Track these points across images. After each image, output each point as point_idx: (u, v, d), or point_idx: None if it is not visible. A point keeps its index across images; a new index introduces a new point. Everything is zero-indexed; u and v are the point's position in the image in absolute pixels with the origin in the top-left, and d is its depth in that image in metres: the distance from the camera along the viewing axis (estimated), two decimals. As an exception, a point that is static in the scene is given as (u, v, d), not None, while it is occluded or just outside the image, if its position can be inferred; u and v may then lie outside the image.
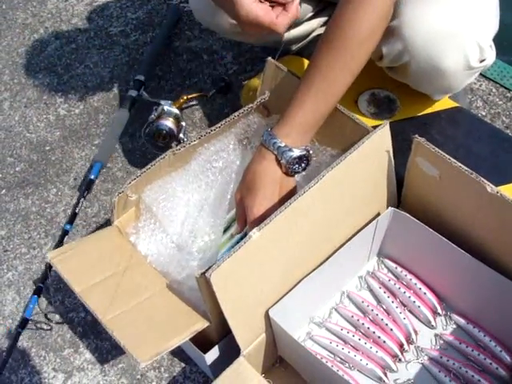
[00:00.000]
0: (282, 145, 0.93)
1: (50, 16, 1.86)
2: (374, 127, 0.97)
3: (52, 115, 1.58)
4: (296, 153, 0.94)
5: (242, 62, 1.60)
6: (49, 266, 1.21)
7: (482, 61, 1.03)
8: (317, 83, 0.93)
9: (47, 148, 1.51)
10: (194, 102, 1.53)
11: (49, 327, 1.19)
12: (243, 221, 0.97)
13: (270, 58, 1.09)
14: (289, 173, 0.96)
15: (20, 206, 1.40)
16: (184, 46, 1.67)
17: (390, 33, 1.02)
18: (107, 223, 1.30)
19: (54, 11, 1.88)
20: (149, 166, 1.02)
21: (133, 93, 1.48)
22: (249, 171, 0.96)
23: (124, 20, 1.79)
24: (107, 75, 1.64)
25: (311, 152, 0.97)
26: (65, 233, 1.28)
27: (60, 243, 1.27)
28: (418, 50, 1.01)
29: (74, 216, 1.31)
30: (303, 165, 0.96)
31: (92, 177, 1.35)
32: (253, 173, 0.96)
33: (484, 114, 1.43)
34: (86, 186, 1.34)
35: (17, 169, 1.48)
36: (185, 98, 1.41)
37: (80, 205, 1.32)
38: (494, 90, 1.48)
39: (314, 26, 1.34)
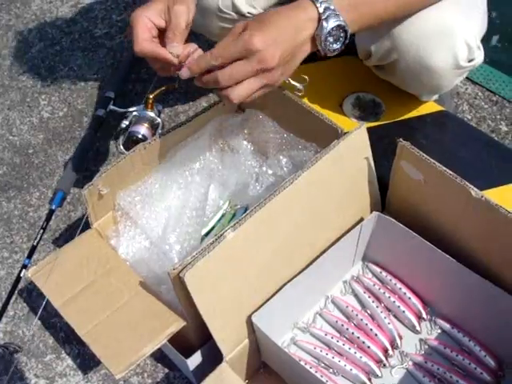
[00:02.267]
0: (332, 6, 0.83)
1: (33, 17, 1.84)
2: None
3: (35, 118, 1.56)
4: (342, 22, 0.84)
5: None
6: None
7: (470, 60, 1.03)
8: None
9: (30, 151, 1.49)
10: (171, 98, 1.52)
11: (30, 333, 1.18)
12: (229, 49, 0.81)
13: None
14: (321, 42, 0.85)
15: (2, 210, 1.38)
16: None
17: (379, 31, 1.02)
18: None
19: (38, 13, 1.86)
20: (119, 159, 1.01)
21: (100, 112, 1.43)
22: (270, 11, 0.85)
23: (109, 22, 1.77)
24: (91, 77, 1.63)
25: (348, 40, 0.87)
26: (24, 266, 1.17)
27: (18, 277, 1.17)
28: (406, 48, 1.01)
29: (33, 250, 1.19)
30: (339, 43, 0.86)
31: (53, 207, 1.25)
32: (279, 12, 0.84)
33: (470, 117, 1.43)
34: (47, 217, 1.24)
35: (-1, 172, 1.47)
36: (151, 97, 1.35)
37: (39, 237, 1.20)
38: (479, 94, 1.48)
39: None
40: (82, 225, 1.04)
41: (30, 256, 1.17)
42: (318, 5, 0.83)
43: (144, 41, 0.85)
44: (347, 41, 0.87)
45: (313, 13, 0.83)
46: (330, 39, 0.85)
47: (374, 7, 0.89)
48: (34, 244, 1.18)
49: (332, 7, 0.83)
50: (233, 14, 1.16)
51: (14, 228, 1.35)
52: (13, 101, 1.61)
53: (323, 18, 0.83)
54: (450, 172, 0.89)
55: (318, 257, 0.98)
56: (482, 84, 1.49)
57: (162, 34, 0.87)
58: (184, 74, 0.84)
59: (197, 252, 0.81)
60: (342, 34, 0.86)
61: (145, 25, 0.85)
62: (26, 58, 1.72)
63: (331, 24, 0.83)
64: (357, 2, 0.87)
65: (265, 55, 0.80)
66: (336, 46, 0.86)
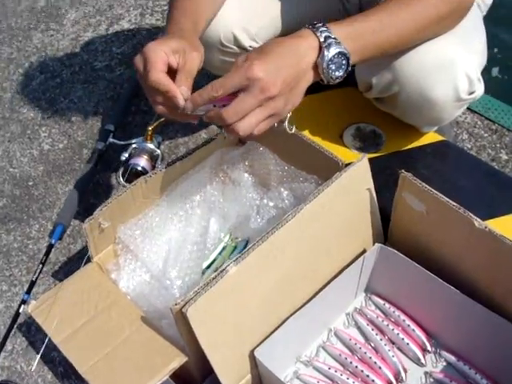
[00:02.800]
0: (333, 35, 0.84)
1: (35, 50, 1.86)
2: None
3: (36, 150, 1.56)
4: (343, 49, 0.84)
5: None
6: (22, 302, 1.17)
7: (471, 93, 1.03)
8: (383, 12, 0.90)
9: (30, 183, 1.49)
10: (171, 130, 1.52)
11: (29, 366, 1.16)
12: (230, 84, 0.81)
13: None
14: (323, 70, 0.85)
15: (1, 242, 1.38)
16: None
17: (380, 63, 1.02)
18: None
19: (39, 46, 1.88)
20: (120, 193, 1.01)
21: (99, 145, 1.43)
22: (271, 42, 0.86)
23: (109, 54, 1.79)
24: (91, 110, 1.63)
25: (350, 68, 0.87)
26: (23, 302, 1.16)
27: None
28: (407, 81, 1.01)
29: (32, 285, 1.18)
30: (341, 71, 0.86)
31: (53, 241, 1.24)
32: (279, 41, 0.85)
33: (470, 146, 1.43)
34: (46, 252, 1.22)
35: (-1, 204, 1.46)
36: (150, 128, 1.35)
37: (38, 272, 1.19)
38: (479, 123, 1.48)
39: None
40: (83, 258, 1.03)
41: (29, 291, 1.16)
42: (319, 34, 0.84)
43: (161, 72, 0.84)
44: (349, 68, 0.87)
45: (314, 41, 0.84)
46: (332, 67, 0.85)
47: (374, 38, 0.89)
48: (33, 279, 1.17)
49: (333, 36, 0.84)
50: (234, 47, 1.16)
51: (14, 261, 1.34)
52: (13, 133, 1.61)
53: (324, 46, 0.83)
54: (453, 203, 0.89)
55: (320, 289, 0.97)
56: (481, 113, 1.49)
57: (170, 73, 0.87)
58: (188, 106, 0.84)
59: (199, 287, 0.80)
60: (343, 62, 0.86)
61: (161, 57, 0.84)
62: (27, 90, 1.73)
63: (332, 51, 0.84)
64: (357, 32, 0.88)
65: (266, 83, 0.79)
66: (338, 73, 0.86)
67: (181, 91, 0.83)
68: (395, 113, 1.13)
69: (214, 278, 0.81)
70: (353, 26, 0.88)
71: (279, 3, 1.19)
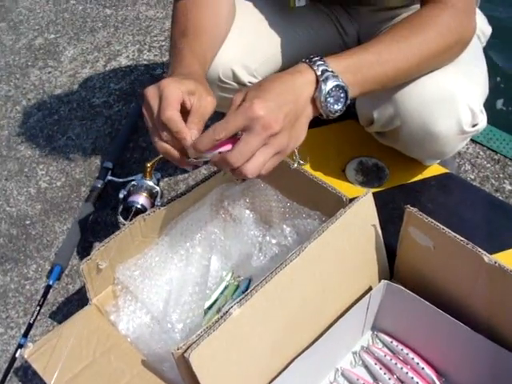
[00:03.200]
0: (330, 69, 0.83)
1: (32, 88, 1.85)
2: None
3: (33, 188, 1.54)
4: (341, 82, 0.83)
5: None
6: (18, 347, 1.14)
7: (474, 125, 1.02)
8: (381, 45, 0.90)
9: (27, 222, 1.47)
10: (170, 166, 1.50)
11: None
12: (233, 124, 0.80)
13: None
14: (321, 104, 0.83)
15: (-2, 284, 1.35)
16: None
17: (381, 97, 1.01)
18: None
19: (36, 83, 1.87)
20: (118, 233, 0.99)
21: (98, 183, 1.42)
22: (268, 78, 0.84)
23: (107, 91, 1.78)
24: (89, 147, 1.62)
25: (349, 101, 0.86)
26: (19, 346, 1.13)
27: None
28: (410, 115, 1.00)
29: (29, 328, 1.14)
30: (340, 104, 0.84)
31: (50, 282, 1.22)
32: (276, 77, 0.83)
33: (473, 177, 1.41)
34: (44, 293, 1.20)
35: (-5, 244, 1.44)
36: (148, 165, 1.33)
37: (36, 315, 1.16)
38: (481, 153, 1.47)
39: None
40: (81, 299, 1.01)
41: (26, 334, 1.13)
42: (316, 67, 0.83)
43: (175, 109, 0.82)
44: (348, 101, 0.86)
45: (311, 75, 0.83)
46: (330, 100, 0.83)
47: (373, 71, 0.88)
48: (31, 322, 1.14)
49: (330, 69, 0.83)
50: (234, 83, 1.15)
51: (10, 302, 1.31)
52: (10, 171, 1.60)
53: (321, 79, 0.82)
54: (461, 238, 0.87)
55: (326, 328, 0.94)
56: (482, 143, 1.48)
57: (182, 113, 0.85)
58: (191, 152, 0.82)
59: (201, 330, 0.77)
60: (342, 95, 0.84)
61: (178, 95, 0.83)
62: (25, 127, 1.72)
63: (329, 85, 0.82)
64: (355, 65, 0.87)
65: (268, 120, 0.78)
66: (337, 107, 0.85)
67: (191, 134, 0.82)
68: (397, 147, 1.12)
69: (216, 321, 0.78)
70: (351, 58, 0.87)
71: (278, 39, 1.19)
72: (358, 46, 0.91)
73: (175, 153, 0.84)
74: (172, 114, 0.81)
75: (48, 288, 1.21)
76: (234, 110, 0.80)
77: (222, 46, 1.09)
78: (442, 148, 1.04)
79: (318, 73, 0.83)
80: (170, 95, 0.82)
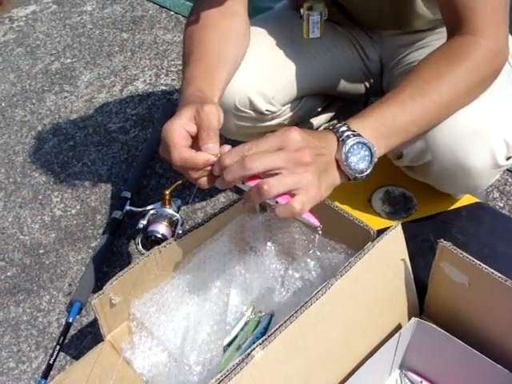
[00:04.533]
0: (351, 129, 0.81)
1: (48, 113, 1.83)
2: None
3: (47, 216, 1.51)
4: (362, 139, 0.80)
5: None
6: None
7: (508, 158, 0.96)
8: (404, 94, 0.86)
9: (41, 251, 1.43)
10: (188, 194, 1.47)
11: None
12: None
13: None
14: (343, 163, 0.80)
15: (10, 315, 1.31)
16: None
17: None
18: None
19: (52, 108, 1.85)
20: (132, 265, 0.95)
21: (116, 214, 1.40)
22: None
23: (123, 116, 1.76)
24: (105, 173, 1.58)
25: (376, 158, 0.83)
26: None
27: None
28: (441, 149, 0.95)
29: (49, 368, 1.11)
30: (365, 163, 0.81)
31: (70, 320, 1.18)
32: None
33: (501, 205, 1.36)
34: (64, 331, 1.17)
35: (8, 274, 1.39)
36: (167, 192, 1.30)
37: (56, 355, 1.13)
38: (510, 180, 1.42)
39: (322, 121, 1.29)
40: (96, 332, 0.96)
41: (46, 376, 1.09)
42: (335, 130, 0.81)
43: (183, 149, 0.80)
44: (375, 159, 0.82)
45: (332, 139, 0.81)
46: (354, 159, 0.80)
47: (397, 123, 0.85)
48: (51, 362, 1.10)
49: (352, 129, 0.81)
50: (250, 112, 1.12)
51: (22, 335, 1.27)
52: (24, 198, 1.57)
53: (341, 139, 0.80)
54: (498, 274, 0.82)
55: (354, 369, 0.89)
56: (510, 169, 1.43)
57: (195, 141, 0.82)
58: (216, 169, 0.78)
59: (221, 374, 0.72)
60: (366, 152, 0.81)
61: (180, 135, 0.80)
62: (40, 153, 1.69)
63: (350, 142, 0.79)
64: (377, 121, 0.83)
65: (302, 145, 0.76)
66: (362, 165, 0.81)
67: (207, 151, 0.79)
68: (428, 181, 1.07)
69: (238, 364, 0.73)
70: (372, 115, 0.84)
71: (295, 64, 1.15)
72: (378, 101, 0.86)
73: (213, 180, 0.81)
74: (180, 157, 0.79)
75: (68, 326, 1.17)
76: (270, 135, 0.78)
77: (235, 68, 1.05)
78: (475, 182, 0.99)
79: (338, 134, 0.80)
80: (171, 140, 0.80)
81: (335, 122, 0.81)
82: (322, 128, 1.28)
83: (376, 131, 0.82)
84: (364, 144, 0.80)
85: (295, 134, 0.76)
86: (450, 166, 0.96)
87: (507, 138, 0.94)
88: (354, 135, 0.80)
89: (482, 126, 0.93)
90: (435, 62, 0.89)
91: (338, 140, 0.80)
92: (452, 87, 0.87)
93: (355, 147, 0.80)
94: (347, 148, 0.79)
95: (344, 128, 0.81)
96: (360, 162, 0.80)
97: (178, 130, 0.80)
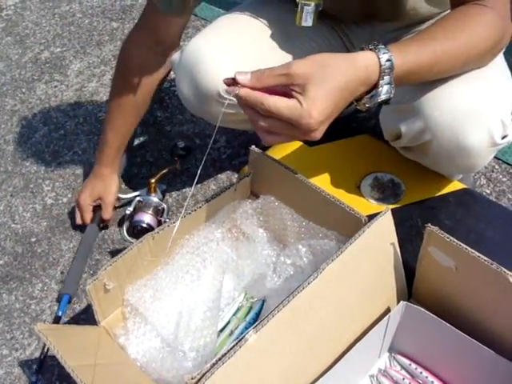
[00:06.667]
0: (388, 50, 0.85)
1: (38, 102, 1.83)
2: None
3: (39, 204, 1.51)
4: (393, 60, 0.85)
5: (236, 145, 1.56)
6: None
7: (503, 137, 0.99)
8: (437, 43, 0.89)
9: (33, 239, 1.44)
10: (179, 182, 1.49)
11: None
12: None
13: (253, 147, 1.08)
14: (364, 104, 0.87)
15: (3, 303, 1.31)
16: (176, 131, 1.64)
17: (409, 111, 0.99)
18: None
19: (42, 97, 1.85)
20: (126, 251, 0.96)
21: None
22: (333, 67, 0.84)
23: (114, 105, 1.76)
24: (96, 162, 1.59)
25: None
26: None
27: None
28: (441, 128, 0.97)
29: (41, 364, 1.13)
30: (386, 89, 0.86)
31: (59, 314, 1.19)
32: (332, 56, 0.85)
33: (488, 191, 1.38)
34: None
35: (0, 262, 1.40)
36: (152, 181, 1.33)
37: (46, 351, 1.14)
38: (496, 167, 1.44)
39: None
40: (89, 320, 0.97)
41: (38, 371, 1.12)
42: (380, 57, 0.84)
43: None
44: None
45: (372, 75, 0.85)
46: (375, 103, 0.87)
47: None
48: (42, 358, 1.12)
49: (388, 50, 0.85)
50: (234, 99, 1.13)
51: (15, 322, 1.28)
52: (15, 187, 1.57)
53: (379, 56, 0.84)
54: (485, 258, 0.84)
55: (344, 352, 0.90)
56: (497, 157, 1.45)
57: None
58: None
59: (216, 359, 0.73)
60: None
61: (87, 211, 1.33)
62: (30, 142, 1.69)
63: (383, 97, 0.86)
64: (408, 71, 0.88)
65: (315, 133, 0.81)
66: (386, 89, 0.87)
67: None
68: (425, 162, 1.08)
69: (231, 348, 0.74)
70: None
71: (280, 53, 1.16)
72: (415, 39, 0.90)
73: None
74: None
75: (57, 320, 1.18)
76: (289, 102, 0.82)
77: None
78: (473, 161, 1.01)
79: (376, 50, 0.84)
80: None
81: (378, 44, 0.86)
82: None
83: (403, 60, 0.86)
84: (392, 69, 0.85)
85: (312, 122, 0.80)
86: (448, 144, 0.98)
87: (503, 117, 0.96)
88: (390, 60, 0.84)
89: (479, 106, 0.95)
90: (454, 18, 0.92)
91: (378, 56, 0.84)
92: (471, 41, 0.91)
93: (387, 64, 0.84)
94: (377, 99, 0.86)
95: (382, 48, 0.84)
96: (388, 75, 0.85)
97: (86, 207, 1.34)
